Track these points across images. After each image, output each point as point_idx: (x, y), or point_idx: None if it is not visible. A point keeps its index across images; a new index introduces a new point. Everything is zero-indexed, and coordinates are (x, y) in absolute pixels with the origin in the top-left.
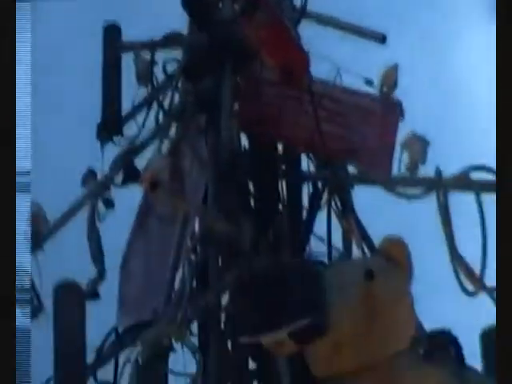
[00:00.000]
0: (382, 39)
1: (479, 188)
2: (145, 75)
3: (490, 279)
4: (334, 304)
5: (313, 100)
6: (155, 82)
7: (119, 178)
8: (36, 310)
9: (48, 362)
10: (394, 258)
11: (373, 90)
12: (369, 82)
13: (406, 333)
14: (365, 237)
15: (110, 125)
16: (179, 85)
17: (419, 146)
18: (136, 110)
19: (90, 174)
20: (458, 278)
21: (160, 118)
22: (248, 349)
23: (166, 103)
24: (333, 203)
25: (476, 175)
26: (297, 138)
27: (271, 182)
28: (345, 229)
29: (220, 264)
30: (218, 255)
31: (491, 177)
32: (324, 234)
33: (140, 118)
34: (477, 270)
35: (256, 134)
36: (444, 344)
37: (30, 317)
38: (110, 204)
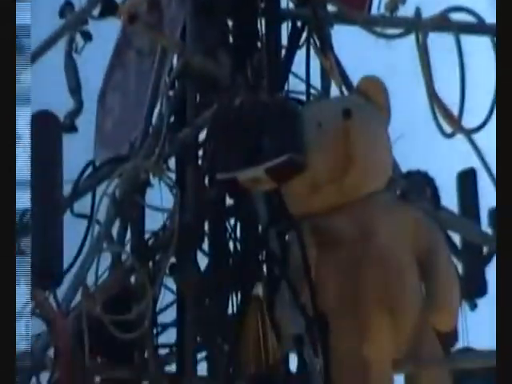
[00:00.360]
0: None
1: (458, 29)
2: None
3: (467, 122)
4: (311, 142)
5: None
6: None
7: (97, 10)
8: None
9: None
10: (372, 98)
11: None
12: None
13: (382, 173)
14: (343, 76)
15: None
16: None
17: None
18: None
19: (68, 5)
20: (435, 119)
21: None
22: (225, 185)
23: None
24: (312, 42)
25: (456, 16)
26: None
27: (250, 19)
28: (324, 66)
29: (198, 100)
30: (197, 91)
31: (471, 18)
32: (303, 73)
33: None
34: (455, 111)
35: None
36: (420, 185)
37: None
38: (87, 36)
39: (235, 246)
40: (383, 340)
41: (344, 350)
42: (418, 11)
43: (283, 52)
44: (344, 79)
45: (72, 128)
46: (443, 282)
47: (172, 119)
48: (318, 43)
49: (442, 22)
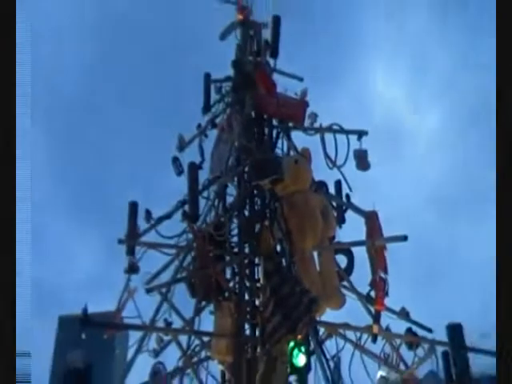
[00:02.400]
0: None
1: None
2: None
3: None
4: (286, 169)
5: None
6: None
7: None
8: None
9: None
10: (303, 155)
11: None
12: None
13: (308, 182)
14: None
15: None
16: None
17: None
18: None
19: None
20: None
21: None
22: (255, 186)
23: None
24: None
25: None
26: None
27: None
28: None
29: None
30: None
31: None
32: None
33: None
34: None
35: None
36: None
37: None
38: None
39: None
40: (311, 238)
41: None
42: None
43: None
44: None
45: None
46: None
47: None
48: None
49: None
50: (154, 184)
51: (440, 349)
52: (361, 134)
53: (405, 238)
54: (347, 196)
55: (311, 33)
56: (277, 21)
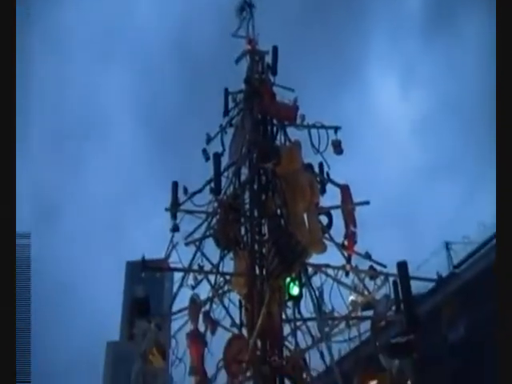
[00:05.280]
0: None
1: None
2: None
3: None
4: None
5: None
6: None
7: None
8: None
9: None
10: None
11: None
12: None
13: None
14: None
15: None
16: None
17: None
18: None
19: None
20: None
21: None
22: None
23: None
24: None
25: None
26: None
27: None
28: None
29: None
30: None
31: None
32: None
33: None
34: None
35: None
36: None
37: None
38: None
39: None
40: (302, 204)
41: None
42: None
43: None
44: None
45: None
46: None
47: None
48: None
49: None
50: (190, 167)
51: (391, 279)
52: (336, 128)
53: (367, 203)
54: (327, 173)
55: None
56: (275, 50)
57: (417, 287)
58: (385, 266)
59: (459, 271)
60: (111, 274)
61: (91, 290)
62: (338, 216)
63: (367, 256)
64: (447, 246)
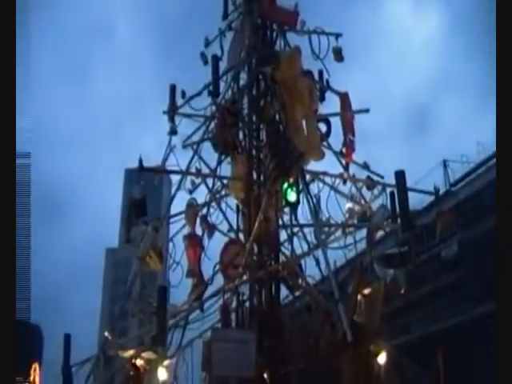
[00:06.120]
0: None
1: None
2: None
3: None
4: None
5: None
6: None
7: None
8: None
9: None
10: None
11: None
12: None
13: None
14: None
15: None
16: None
17: None
18: None
19: None
20: None
21: None
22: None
23: None
24: None
25: None
26: None
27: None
28: None
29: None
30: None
31: None
32: None
33: None
34: None
35: None
36: None
37: None
38: None
39: None
40: (300, 110)
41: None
42: None
43: None
44: None
45: None
46: None
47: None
48: None
49: None
50: (187, 70)
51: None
52: (338, 35)
53: (367, 111)
54: (327, 81)
55: None
56: None
57: (413, 204)
58: (382, 177)
59: (455, 189)
60: (111, 182)
61: (91, 196)
62: (337, 125)
63: (365, 166)
64: (445, 164)
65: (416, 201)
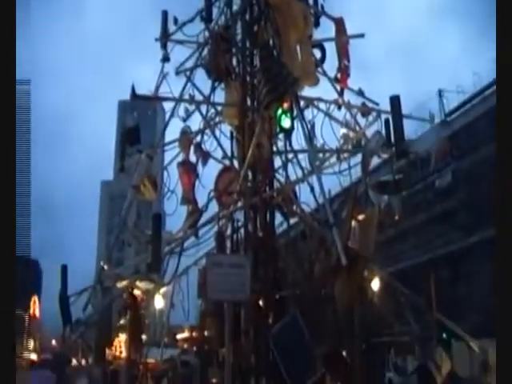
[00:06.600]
0: None
1: None
2: None
3: None
4: None
5: None
6: None
7: None
8: None
9: None
10: None
11: None
12: None
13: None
14: None
15: None
16: None
17: None
18: None
19: None
20: None
21: None
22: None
23: None
24: None
25: None
26: None
27: None
28: None
29: None
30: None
31: None
32: None
33: None
34: None
35: None
36: None
37: None
38: None
39: None
40: (294, 34)
41: None
42: None
43: None
44: None
45: None
46: None
47: None
48: None
49: None
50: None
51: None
52: None
53: (362, 36)
54: (322, 6)
55: None
56: None
57: (407, 135)
58: (377, 104)
59: (450, 119)
60: (107, 116)
61: (87, 129)
62: (332, 51)
63: (360, 92)
64: (440, 93)
65: (411, 131)
